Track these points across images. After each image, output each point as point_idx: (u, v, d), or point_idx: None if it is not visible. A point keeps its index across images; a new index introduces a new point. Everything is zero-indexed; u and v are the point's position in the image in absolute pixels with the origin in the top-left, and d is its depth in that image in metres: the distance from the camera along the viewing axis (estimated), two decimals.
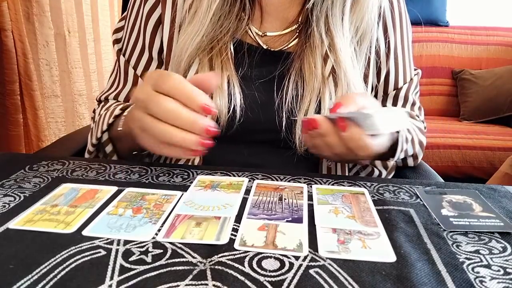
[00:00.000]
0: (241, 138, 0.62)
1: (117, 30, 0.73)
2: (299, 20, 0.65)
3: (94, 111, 0.73)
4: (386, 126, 0.46)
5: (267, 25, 0.66)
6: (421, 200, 0.45)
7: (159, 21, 0.66)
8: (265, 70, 0.62)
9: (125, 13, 0.71)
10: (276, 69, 0.62)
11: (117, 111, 0.60)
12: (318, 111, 0.59)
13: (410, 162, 0.69)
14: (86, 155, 0.65)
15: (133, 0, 0.69)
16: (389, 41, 0.67)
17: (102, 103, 0.71)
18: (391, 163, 0.65)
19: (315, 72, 0.60)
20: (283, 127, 0.60)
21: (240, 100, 0.60)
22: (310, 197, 0.45)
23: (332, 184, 0.49)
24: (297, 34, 0.65)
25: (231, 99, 0.60)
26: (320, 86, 0.60)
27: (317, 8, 0.61)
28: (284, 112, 0.60)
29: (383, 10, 0.66)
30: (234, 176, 0.50)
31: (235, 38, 0.64)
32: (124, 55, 0.70)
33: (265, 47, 0.64)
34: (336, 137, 0.48)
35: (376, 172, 0.66)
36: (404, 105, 0.71)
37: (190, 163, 0.65)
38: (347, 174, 0.66)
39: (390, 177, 0.69)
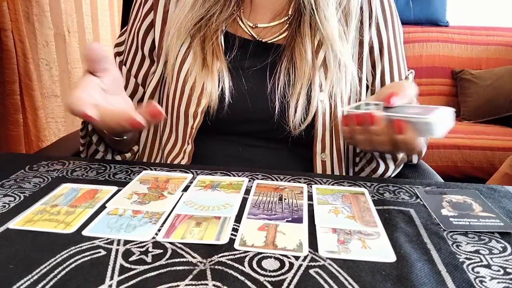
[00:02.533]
0: (234, 128, 0.63)
1: (118, 44, 0.74)
2: (289, 12, 0.66)
3: None
4: (442, 131, 0.46)
5: (258, 17, 0.67)
6: (421, 200, 0.45)
7: (151, 25, 0.68)
8: (257, 60, 0.64)
9: (126, 26, 0.73)
10: (268, 58, 0.63)
11: None
12: (310, 93, 0.61)
13: (415, 158, 0.69)
14: (80, 148, 0.66)
15: (133, 6, 0.71)
16: (382, 40, 0.68)
17: None
18: (400, 155, 0.65)
19: (306, 58, 0.61)
20: (276, 112, 0.61)
21: (230, 86, 0.62)
22: (310, 197, 0.45)
23: (332, 184, 0.49)
24: (288, 25, 0.66)
25: (220, 86, 0.61)
26: (311, 70, 0.61)
27: None
28: (277, 98, 0.61)
29: (375, 9, 0.67)
30: (234, 176, 0.50)
31: (225, 29, 0.65)
32: (125, 65, 0.71)
33: (256, 37, 0.66)
34: (386, 137, 0.48)
35: (382, 168, 0.66)
36: None
37: (181, 159, 0.65)
38: (343, 171, 0.67)
39: (397, 171, 0.69)
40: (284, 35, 0.65)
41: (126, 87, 0.70)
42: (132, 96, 0.71)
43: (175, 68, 0.64)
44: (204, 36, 0.63)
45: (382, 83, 0.69)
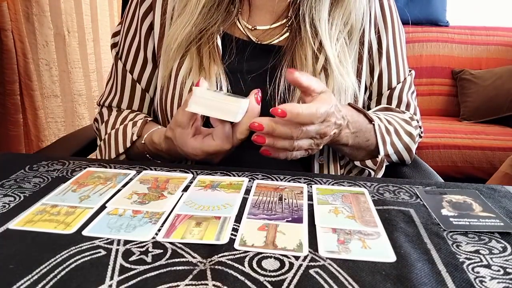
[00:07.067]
0: None
1: (115, 34, 0.74)
2: (289, 14, 0.65)
3: (100, 114, 0.73)
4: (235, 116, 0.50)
5: (257, 19, 0.66)
6: (421, 200, 0.45)
7: (151, 27, 0.67)
8: (256, 63, 0.63)
9: (122, 18, 0.72)
10: (268, 62, 0.63)
11: (134, 137, 0.63)
12: None
13: (406, 156, 0.68)
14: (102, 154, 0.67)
15: (129, 4, 0.70)
16: (381, 41, 0.67)
17: (114, 112, 0.71)
18: (379, 158, 0.65)
19: (307, 65, 0.61)
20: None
21: (228, 90, 0.61)
22: (310, 197, 0.45)
23: (332, 184, 0.49)
24: (287, 27, 0.65)
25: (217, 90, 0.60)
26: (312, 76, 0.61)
27: (303, 3, 0.62)
28: (276, 103, 0.60)
29: (374, 11, 0.66)
30: (234, 176, 0.50)
31: (224, 31, 0.65)
32: (121, 59, 0.70)
33: (255, 40, 0.65)
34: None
35: (367, 171, 0.66)
36: (398, 106, 0.71)
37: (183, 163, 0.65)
38: (339, 171, 0.67)
39: (380, 174, 0.69)
40: (283, 37, 0.65)
41: (122, 92, 0.70)
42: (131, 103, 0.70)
43: (172, 73, 0.64)
44: (201, 40, 0.63)
45: (380, 84, 0.69)
